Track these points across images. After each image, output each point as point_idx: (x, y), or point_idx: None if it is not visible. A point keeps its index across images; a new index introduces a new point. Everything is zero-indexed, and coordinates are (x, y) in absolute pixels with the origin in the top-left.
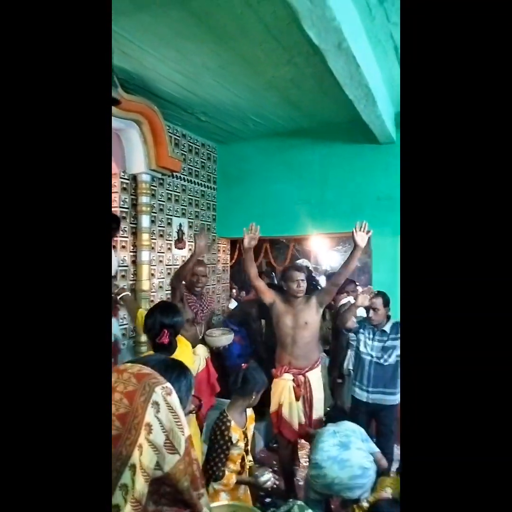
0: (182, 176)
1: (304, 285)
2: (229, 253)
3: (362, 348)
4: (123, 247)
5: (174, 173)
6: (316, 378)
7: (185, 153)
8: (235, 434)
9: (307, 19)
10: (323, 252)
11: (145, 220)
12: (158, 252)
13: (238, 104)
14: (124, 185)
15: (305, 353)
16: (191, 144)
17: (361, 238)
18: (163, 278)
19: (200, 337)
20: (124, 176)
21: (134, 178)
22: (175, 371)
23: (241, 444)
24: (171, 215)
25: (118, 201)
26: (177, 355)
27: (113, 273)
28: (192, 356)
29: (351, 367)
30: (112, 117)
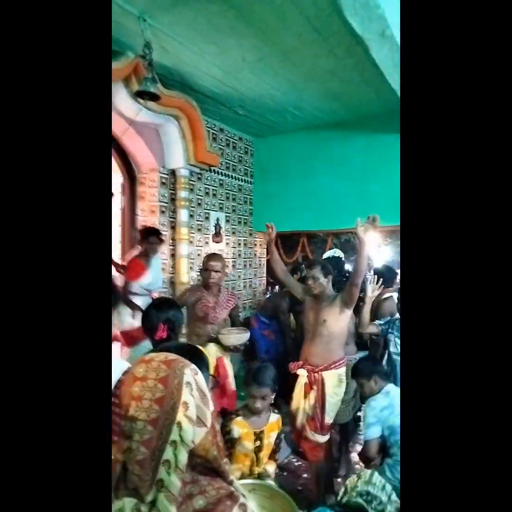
0: (219, 170)
1: (320, 281)
2: (265, 247)
3: (392, 349)
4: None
5: (212, 168)
6: (333, 380)
7: (222, 147)
8: (238, 428)
9: (350, 8)
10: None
11: (183, 214)
12: (196, 246)
13: (276, 97)
14: (163, 180)
15: (322, 351)
16: (228, 138)
17: (364, 232)
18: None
19: (214, 335)
20: (163, 171)
21: (172, 173)
22: (193, 355)
23: (248, 444)
24: (208, 210)
25: (157, 196)
26: None
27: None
28: None
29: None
30: (152, 113)
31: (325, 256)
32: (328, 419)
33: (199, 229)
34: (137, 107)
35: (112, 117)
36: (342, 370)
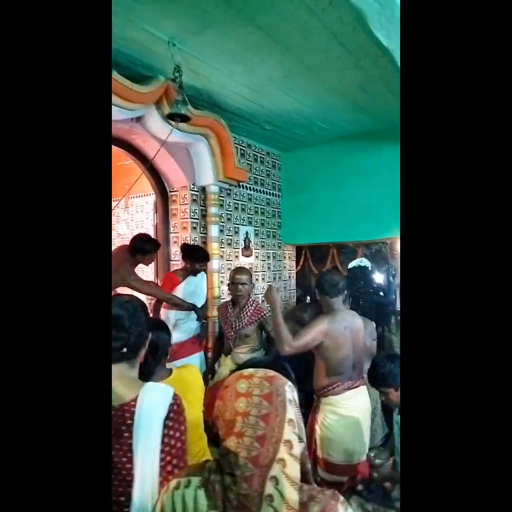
0: (248, 185)
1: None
2: (294, 259)
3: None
4: None
5: (241, 183)
6: (326, 408)
7: (250, 162)
8: None
9: (376, 22)
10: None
11: (214, 230)
12: (227, 260)
13: (303, 112)
14: (194, 197)
15: (314, 374)
16: (256, 153)
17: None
18: None
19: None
20: (193, 188)
21: (203, 189)
22: (284, 370)
23: None
24: (238, 224)
25: (188, 213)
26: (175, 382)
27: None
28: (200, 386)
29: None
30: (182, 133)
31: (350, 265)
32: (327, 456)
33: (229, 244)
34: (169, 129)
35: (145, 139)
36: (337, 398)
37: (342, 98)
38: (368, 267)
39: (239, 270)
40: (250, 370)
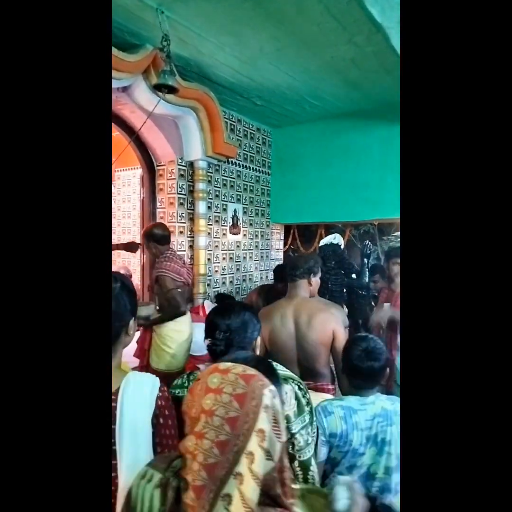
0: (237, 161)
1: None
2: (283, 238)
3: None
4: (181, 232)
5: (230, 159)
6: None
7: (240, 138)
8: None
9: None
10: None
11: (201, 206)
12: (214, 237)
13: (295, 87)
14: (182, 172)
15: None
16: (246, 129)
17: None
18: (219, 262)
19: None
20: (181, 163)
21: (191, 164)
22: (266, 370)
23: None
24: (226, 201)
25: (175, 188)
26: None
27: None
28: None
29: None
30: (170, 105)
31: (321, 243)
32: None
33: (217, 221)
34: (156, 100)
35: (132, 110)
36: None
37: (334, 74)
38: (340, 245)
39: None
40: (228, 363)
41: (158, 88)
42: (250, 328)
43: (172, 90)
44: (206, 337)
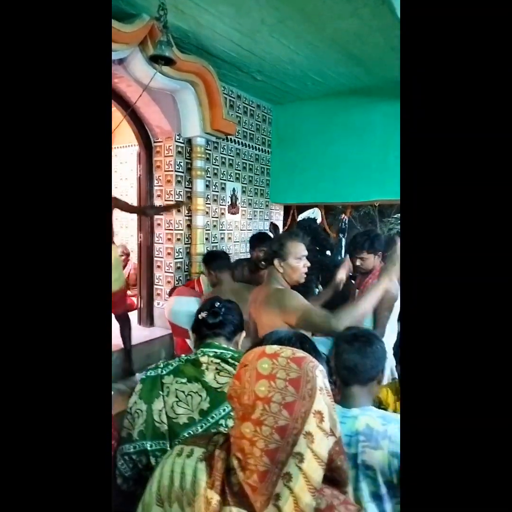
0: (236, 139)
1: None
2: (282, 219)
3: None
4: (178, 211)
5: (229, 136)
6: None
7: (240, 115)
8: None
9: None
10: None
11: (199, 185)
12: (212, 217)
13: (296, 62)
14: (179, 149)
15: None
16: (246, 105)
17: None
18: (217, 242)
19: None
20: (179, 139)
21: (188, 141)
22: (312, 348)
23: None
24: (225, 180)
25: (173, 165)
26: None
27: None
28: None
29: None
30: (167, 78)
31: (300, 218)
32: None
33: (215, 200)
34: (152, 72)
35: (128, 83)
36: None
37: (338, 48)
38: (316, 219)
39: None
40: (274, 347)
41: (154, 59)
42: (239, 314)
43: (169, 61)
44: (201, 311)
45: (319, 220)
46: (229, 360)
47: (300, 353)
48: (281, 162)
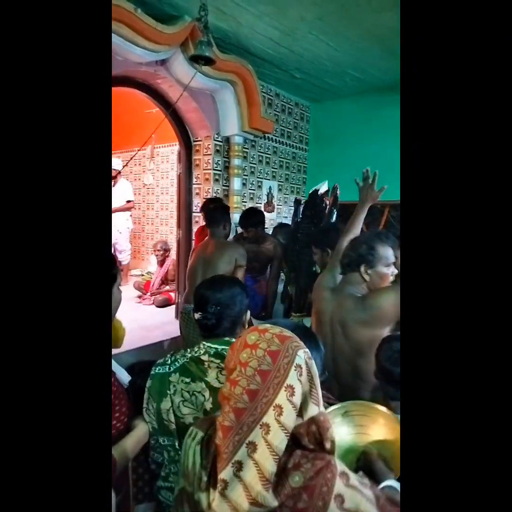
0: (274, 137)
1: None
2: None
3: None
4: None
5: (266, 135)
6: None
7: (278, 113)
8: None
9: None
10: None
11: (236, 183)
12: None
13: (335, 58)
14: (218, 148)
15: None
16: (284, 103)
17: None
18: None
19: None
20: (217, 138)
21: (226, 140)
22: (310, 339)
23: None
24: (261, 178)
25: (211, 164)
26: None
27: None
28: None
29: None
30: (207, 78)
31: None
32: None
33: (251, 198)
34: (192, 71)
35: (170, 84)
36: None
37: (378, 43)
38: (318, 190)
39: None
40: (267, 325)
41: (195, 59)
42: (239, 302)
43: (209, 61)
44: (195, 311)
45: (321, 190)
46: None
47: (287, 333)
48: (318, 160)
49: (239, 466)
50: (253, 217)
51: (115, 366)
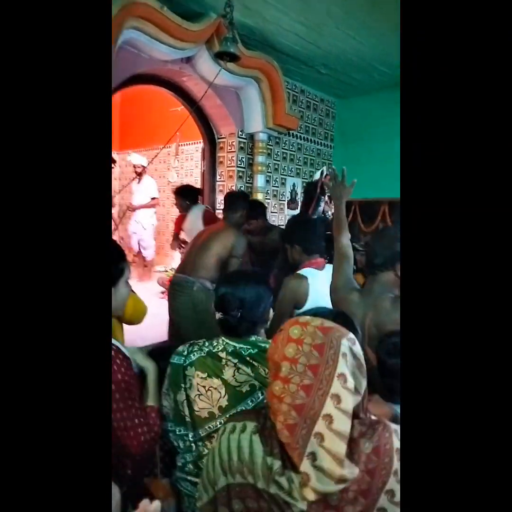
0: (298, 134)
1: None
2: None
3: None
4: None
5: (291, 131)
6: None
7: (303, 109)
8: None
9: None
10: None
11: (260, 180)
12: (271, 212)
13: (363, 53)
14: (241, 145)
15: None
16: (309, 100)
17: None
18: None
19: None
20: (241, 135)
21: (251, 137)
22: (347, 324)
23: None
24: (285, 175)
25: (235, 161)
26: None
27: None
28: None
29: None
30: (232, 75)
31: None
32: None
33: (274, 195)
34: (217, 69)
35: (196, 81)
36: None
37: None
38: (312, 178)
39: None
40: (307, 317)
41: (219, 56)
42: (264, 302)
43: (234, 58)
44: (216, 310)
45: (315, 178)
46: (247, 358)
47: (328, 323)
48: (343, 156)
49: (313, 456)
50: (252, 209)
51: (133, 351)
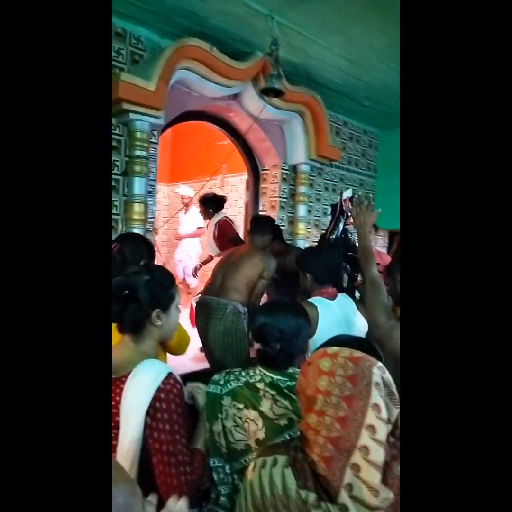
0: (341, 165)
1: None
2: (386, 245)
3: None
4: None
5: (333, 162)
6: None
7: (345, 141)
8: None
9: None
10: None
11: (302, 210)
12: (312, 242)
13: None
14: (284, 176)
15: None
16: (352, 131)
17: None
18: None
19: None
20: (284, 167)
21: (293, 168)
22: (372, 352)
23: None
24: (327, 205)
25: (277, 191)
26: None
27: None
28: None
29: None
30: (276, 109)
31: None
32: None
33: (316, 225)
34: (262, 104)
35: (242, 117)
36: None
37: None
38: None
39: None
40: (335, 348)
41: (265, 92)
42: (303, 333)
43: (278, 93)
44: (256, 340)
45: (337, 200)
46: (285, 390)
47: (357, 353)
48: (386, 187)
49: (350, 487)
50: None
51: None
